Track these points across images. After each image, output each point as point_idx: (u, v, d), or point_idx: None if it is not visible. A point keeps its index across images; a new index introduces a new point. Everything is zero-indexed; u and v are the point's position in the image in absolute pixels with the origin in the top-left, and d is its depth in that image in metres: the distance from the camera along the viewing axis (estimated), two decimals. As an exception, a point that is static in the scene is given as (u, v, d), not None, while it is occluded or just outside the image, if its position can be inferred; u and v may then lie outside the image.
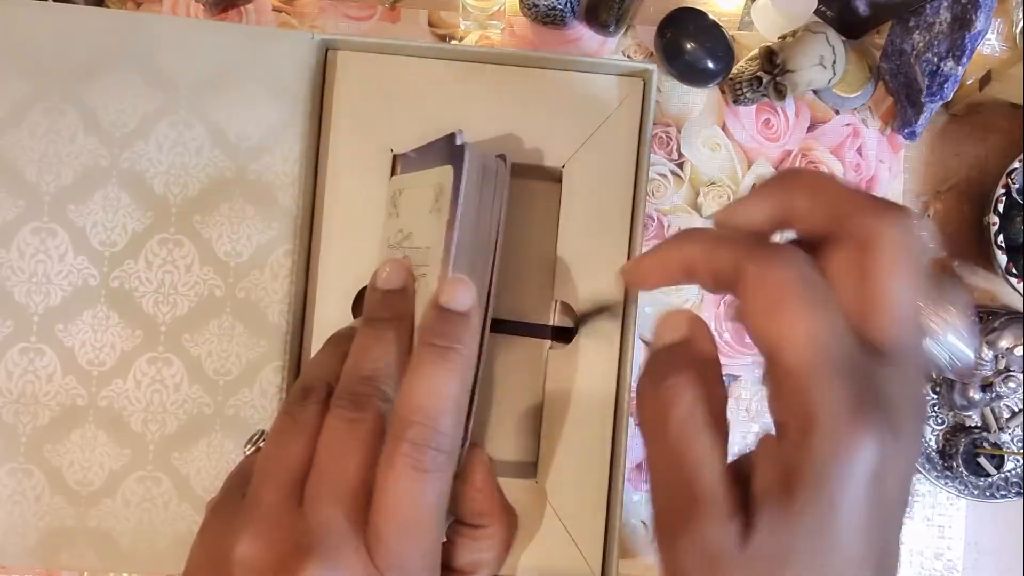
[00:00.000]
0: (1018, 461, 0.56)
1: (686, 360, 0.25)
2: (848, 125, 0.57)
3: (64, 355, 0.40)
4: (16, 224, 0.40)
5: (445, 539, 0.32)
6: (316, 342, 0.41)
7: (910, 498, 0.26)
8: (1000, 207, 0.53)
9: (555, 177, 0.41)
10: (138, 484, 0.40)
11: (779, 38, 0.53)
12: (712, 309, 0.56)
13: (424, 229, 0.33)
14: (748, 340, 0.57)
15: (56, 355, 0.40)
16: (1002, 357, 0.52)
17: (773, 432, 0.23)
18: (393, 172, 0.40)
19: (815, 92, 0.56)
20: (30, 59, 0.40)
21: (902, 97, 0.55)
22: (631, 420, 0.41)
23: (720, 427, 0.24)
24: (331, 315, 0.41)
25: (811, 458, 0.20)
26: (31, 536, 0.40)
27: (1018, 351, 0.51)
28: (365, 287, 0.34)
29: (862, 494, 0.20)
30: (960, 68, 0.50)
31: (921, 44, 0.52)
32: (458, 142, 0.33)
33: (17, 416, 0.40)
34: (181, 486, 0.40)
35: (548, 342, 0.41)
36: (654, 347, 0.26)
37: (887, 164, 0.57)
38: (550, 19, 0.54)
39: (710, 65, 0.54)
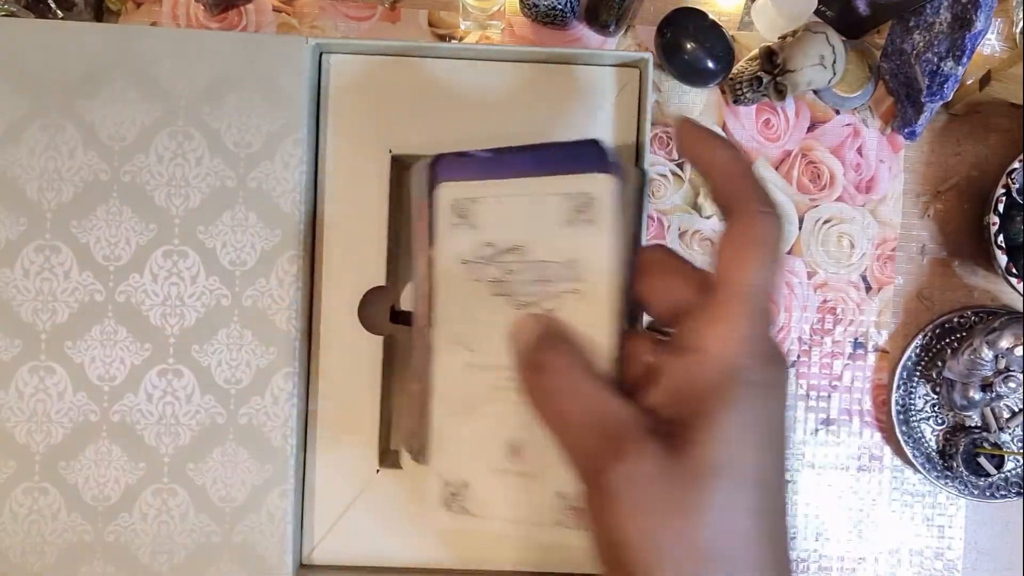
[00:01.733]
0: (1018, 461, 0.56)
1: (546, 342, 0.29)
2: (848, 125, 0.57)
3: (74, 372, 0.40)
4: (19, 243, 0.40)
5: None
6: (324, 347, 0.41)
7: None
8: (1000, 207, 0.53)
9: None
10: (154, 497, 0.40)
11: (779, 38, 0.53)
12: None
13: (558, 245, 0.31)
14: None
15: (66, 372, 0.40)
16: (1002, 357, 0.52)
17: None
18: (428, 178, 0.35)
19: (815, 92, 0.56)
20: (26, 76, 0.40)
21: (902, 97, 0.55)
22: None
23: (594, 369, 0.28)
24: (338, 319, 0.41)
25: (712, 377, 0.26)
26: (50, 554, 0.40)
27: (1018, 351, 0.51)
28: (371, 289, 0.33)
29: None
30: (960, 68, 0.50)
31: (921, 44, 0.52)
32: (606, 150, 0.30)
33: (30, 435, 0.40)
34: (197, 497, 0.40)
35: None
36: (514, 350, 0.30)
37: (887, 164, 0.57)
38: (550, 19, 0.54)
39: (710, 65, 0.54)
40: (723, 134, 0.53)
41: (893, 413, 0.56)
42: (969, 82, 0.55)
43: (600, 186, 0.30)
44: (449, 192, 0.33)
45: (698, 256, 0.57)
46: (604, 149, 0.31)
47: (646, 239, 0.55)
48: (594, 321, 0.30)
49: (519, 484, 0.31)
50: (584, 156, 0.31)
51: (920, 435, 0.56)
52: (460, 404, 0.32)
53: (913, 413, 0.57)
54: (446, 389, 0.33)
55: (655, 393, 0.27)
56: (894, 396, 0.56)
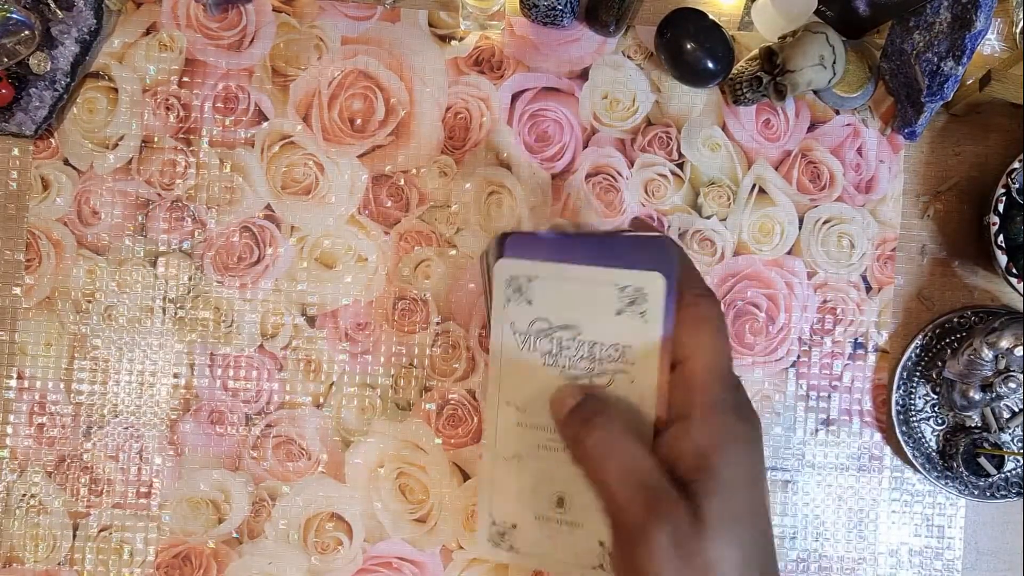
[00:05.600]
0: (1018, 461, 0.56)
1: (594, 404, 0.34)
2: (848, 125, 0.57)
3: None
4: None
5: None
6: None
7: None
8: (1000, 207, 0.53)
9: None
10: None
11: (779, 38, 0.53)
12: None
13: (609, 330, 0.34)
14: (748, 341, 0.57)
15: None
16: (1002, 357, 0.52)
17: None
18: (495, 253, 0.38)
19: (815, 92, 0.56)
20: None
21: (902, 97, 0.55)
22: None
23: (641, 439, 0.33)
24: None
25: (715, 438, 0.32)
26: None
27: (1018, 351, 0.51)
28: None
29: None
30: (960, 68, 0.50)
31: (921, 44, 0.52)
32: (668, 250, 0.34)
33: None
34: None
35: None
36: (555, 412, 0.35)
37: (887, 164, 0.57)
38: (550, 19, 0.54)
39: (710, 65, 0.54)
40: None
41: (893, 413, 0.56)
42: (969, 82, 0.55)
43: (653, 285, 0.34)
44: (506, 268, 0.36)
45: (698, 256, 0.57)
46: (666, 249, 0.34)
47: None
48: (639, 401, 0.34)
49: (563, 530, 0.35)
50: (646, 253, 0.34)
51: (920, 435, 0.56)
52: (510, 456, 0.36)
53: (913, 413, 0.57)
54: (498, 442, 0.36)
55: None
56: (894, 396, 0.56)
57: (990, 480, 0.55)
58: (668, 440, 0.32)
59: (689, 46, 0.53)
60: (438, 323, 0.56)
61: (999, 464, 0.54)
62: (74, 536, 0.55)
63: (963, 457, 0.55)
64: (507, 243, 0.37)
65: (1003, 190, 0.53)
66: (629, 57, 0.57)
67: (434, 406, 0.56)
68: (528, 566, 0.37)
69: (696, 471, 0.31)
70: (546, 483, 0.35)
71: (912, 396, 0.57)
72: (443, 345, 0.56)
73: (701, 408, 0.32)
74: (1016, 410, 0.55)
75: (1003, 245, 0.53)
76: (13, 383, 0.55)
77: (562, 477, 0.35)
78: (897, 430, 0.56)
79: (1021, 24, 0.56)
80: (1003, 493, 0.56)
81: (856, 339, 0.57)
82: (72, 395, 0.55)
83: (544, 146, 0.56)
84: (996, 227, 0.53)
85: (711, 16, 0.54)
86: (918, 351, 0.56)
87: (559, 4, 0.53)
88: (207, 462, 0.55)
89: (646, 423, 0.34)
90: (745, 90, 0.54)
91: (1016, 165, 0.53)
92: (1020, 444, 0.56)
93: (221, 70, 0.56)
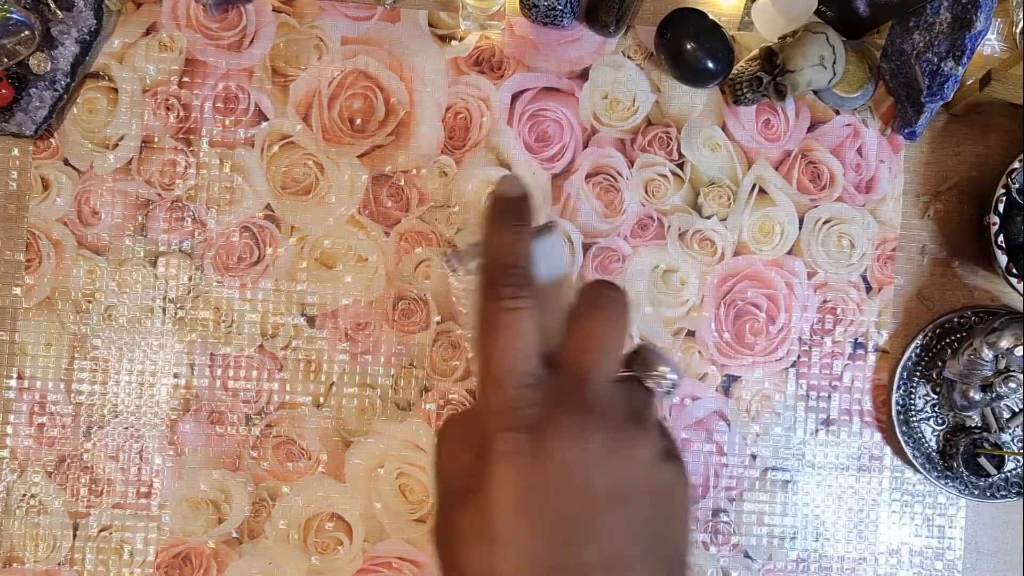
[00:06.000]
0: (1018, 461, 0.56)
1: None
2: (848, 125, 0.57)
3: None
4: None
5: None
6: None
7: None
8: (1000, 207, 0.53)
9: None
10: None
11: (779, 38, 0.53)
12: (712, 309, 0.56)
13: None
14: (748, 341, 0.57)
15: None
16: (1002, 357, 0.52)
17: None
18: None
19: (815, 92, 0.56)
20: None
21: (902, 97, 0.55)
22: None
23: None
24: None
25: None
26: None
27: (1018, 351, 0.51)
28: None
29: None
30: (960, 68, 0.50)
31: (921, 44, 0.52)
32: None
33: None
34: None
35: None
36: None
37: (887, 164, 0.57)
38: (550, 19, 0.54)
39: (710, 65, 0.54)
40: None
41: (893, 413, 0.56)
42: (969, 82, 0.55)
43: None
44: None
45: (698, 256, 0.57)
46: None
47: (645, 239, 0.56)
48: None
49: None
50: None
51: (920, 435, 0.56)
52: None
53: (913, 413, 0.57)
54: None
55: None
56: (894, 396, 0.56)
57: (990, 480, 0.55)
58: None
59: (689, 46, 0.53)
60: (438, 323, 0.56)
61: (999, 464, 0.54)
62: (74, 536, 0.55)
63: (963, 457, 0.55)
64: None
65: (1003, 190, 0.53)
66: (629, 57, 0.57)
67: (434, 406, 0.56)
68: None
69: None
70: None
71: (912, 396, 0.57)
72: (443, 345, 0.56)
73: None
74: (1016, 410, 0.55)
75: (1003, 245, 0.53)
76: (13, 383, 0.55)
77: None
78: (897, 430, 0.56)
79: (1021, 24, 0.56)
80: (1003, 493, 0.56)
81: (856, 339, 0.57)
82: (72, 395, 0.55)
83: (544, 146, 0.56)
84: (996, 227, 0.53)
85: (711, 16, 0.54)
86: (918, 351, 0.56)
87: (559, 4, 0.53)
88: (207, 462, 0.55)
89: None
90: (745, 90, 0.54)
91: (1016, 165, 0.53)
92: (1020, 444, 0.56)
93: (221, 70, 0.56)
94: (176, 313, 0.56)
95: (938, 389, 0.57)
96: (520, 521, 0.26)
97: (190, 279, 0.56)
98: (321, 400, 0.56)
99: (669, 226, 0.57)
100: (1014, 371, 0.52)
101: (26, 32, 0.52)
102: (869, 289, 0.57)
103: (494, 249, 0.30)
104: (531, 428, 0.27)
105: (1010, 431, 0.55)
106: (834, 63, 0.52)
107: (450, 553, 0.28)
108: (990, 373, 0.53)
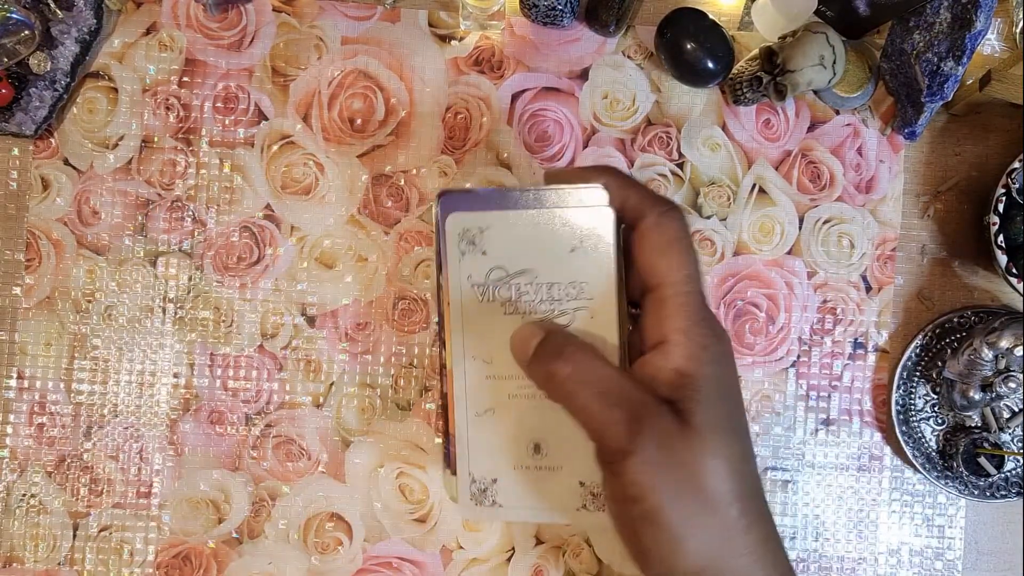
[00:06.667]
0: (1018, 461, 0.56)
1: (556, 339, 0.33)
2: (848, 125, 0.57)
3: None
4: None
5: None
6: None
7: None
8: (1000, 207, 0.53)
9: None
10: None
11: (779, 38, 0.53)
12: (712, 308, 0.56)
13: (565, 268, 0.35)
14: (748, 341, 0.57)
15: None
16: (1002, 357, 0.52)
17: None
18: (439, 210, 0.38)
19: (815, 92, 0.56)
20: None
21: (902, 97, 0.55)
22: None
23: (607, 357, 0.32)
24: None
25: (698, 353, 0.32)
26: None
27: (1018, 351, 0.51)
28: None
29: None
30: (960, 68, 0.50)
31: (921, 44, 0.52)
32: (604, 197, 0.34)
33: None
34: None
35: None
36: (522, 359, 0.34)
37: (887, 164, 0.57)
38: (550, 19, 0.54)
39: (710, 65, 0.54)
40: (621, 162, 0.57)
41: (893, 413, 0.56)
42: (969, 82, 0.55)
43: (604, 219, 0.34)
44: (458, 222, 0.36)
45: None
46: (603, 193, 0.34)
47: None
48: (602, 333, 0.34)
49: (543, 475, 0.36)
50: (586, 196, 0.35)
51: (920, 435, 0.56)
52: (483, 411, 0.36)
53: (913, 413, 0.57)
54: (468, 399, 0.36)
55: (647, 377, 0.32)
56: (894, 396, 0.56)
57: (990, 480, 0.55)
58: (646, 365, 0.32)
59: (689, 46, 0.53)
60: (438, 323, 0.56)
61: (999, 464, 0.54)
62: (74, 536, 0.55)
63: (963, 457, 0.55)
64: (446, 200, 0.36)
65: (1003, 190, 0.53)
66: (629, 57, 0.57)
67: (434, 406, 0.56)
68: (514, 519, 0.37)
69: (678, 389, 0.31)
70: (521, 432, 0.36)
71: (912, 396, 0.57)
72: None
73: (677, 331, 0.32)
74: (1016, 410, 0.55)
75: (1003, 245, 0.53)
76: (13, 383, 0.55)
77: (536, 424, 0.35)
78: (897, 430, 0.56)
79: (1021, 24, 0.56)
80: (1003, 493, 0.56)
81: (856, 339, 0.57)
82: (72, 395, 0.55)
83: (544, 146, 0.56)
84: (996, 227, 0.53)
85: (711, 16, 0.54)
86: (918, 351, 0.56)
87: (559, 4, 0.53)
88: (207, 462, 0.55)
89: (612, 350, 0.34)
90: (745, 90, 0.54)
91: (1016, 165, 0.53)
92: (1020, 444, 0.56)
93: (221, 70, 0.56)
94: (176, 313, 0.56)
95: (938, 389, 0.57)
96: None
97: (190, 279, 0.56)
98: (321, 400, 0.56)
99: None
100: (1014, 371, 0.52)
101: (26, 32, 0.52)
102: (869, 289, 0.57)
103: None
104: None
105: (1010, 431, 0.55)
106: (834, 63, 0.52)
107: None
108: (990, 373, 0.53)
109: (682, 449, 0.30)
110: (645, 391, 0.31)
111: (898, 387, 0.56)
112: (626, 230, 0.35)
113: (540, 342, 0.33)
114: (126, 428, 0.55)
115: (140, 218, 0.55)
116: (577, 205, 0.35)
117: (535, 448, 0.36)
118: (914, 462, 0.56)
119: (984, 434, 0.55)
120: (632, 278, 0.34)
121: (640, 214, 0.33)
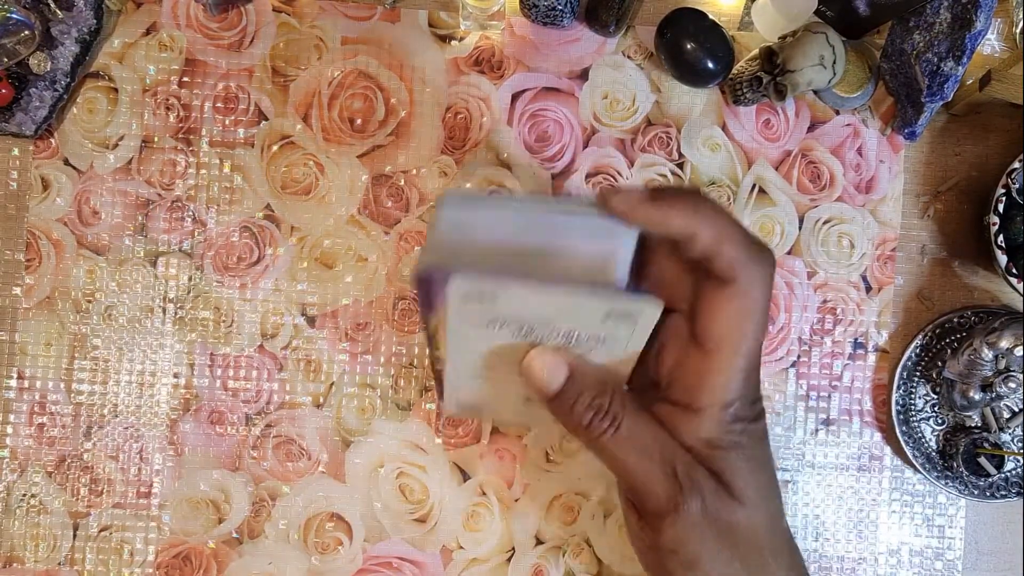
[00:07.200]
0: (1018, 461, 0.56)
1: (590, 398, 0.32)
2: (848, 125, 0.57)
3: None
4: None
5: None
6: None
7: None
8: (1000, 207, 0.53)
9: None
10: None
11: (779, 38, 0.53)
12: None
13: (592, 328, 0.31)
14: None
15: None
16: (1002, 357, 0.52)
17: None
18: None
19: (815, 92, 0.56)
20: None
21: (902, 97, 0.55)
22: None
23: (652, 418, 0.32)
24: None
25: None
26: None
27: (1018, 351, 0.51)
28: None
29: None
30: (960, 68, 0.50)
31: (921, 44, 0.52)
32: (657, 309, 0.31)
33: None
34: None
35: None
36: (541, 396, 0.33)
37: (887, 164, 0.57)
38: (550, 19, 0.54)
39: (710, 65, 0.54)
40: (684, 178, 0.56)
41: (893, 413, 0.56)
42: (969, 82, 0.55)
43: (648, 310, 0.31)
44: (462, 287, 0.30)
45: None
46: (658, 307, 0.31)
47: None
48: (614, 367, 0.33)
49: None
50: (603, 226, 0.31)
51: (920, 435, 0.56)
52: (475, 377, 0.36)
53: (913, 413, 0.57)
54: (463, 366, 0.35)
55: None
56: (894, 396, 0.56)
57: (990, 480, 0.55)
58: (679, 423, 0.32)
59: (689, 46, 0.53)
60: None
61: (999, 464, 0.54)
62: (74, 536, 0.55)
63: (963, 457, 0.55)
64: (446, 200, 0.32)
65: (1003, 190, 0.53)
66: (629, 57, 0.57)
67: (434, 406, 0.56)
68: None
69: (714, 459, 0.31)
70: (513, 388, 0.35)
71: (912, 396, 0.57)
72: (443, 345, 0.56)
73: (717, 406, 0.31)
74: (1016, 410, 0.55)
75: (1003, 245, 0.53)
76: (13, 383, 0.55)
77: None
78: (897, 430, 0.56)
79: (1021, 24, 0.56)
80: (1003, 493, 0.56)
81: (856, 339, 0.57)
82: (72, 395, 0.55)
83: (544, 146, 0.56)
84: (996, 227, 0.53)
85: (711, 16, 0.54)
86: (918, 351, 0.56)
87: (559, 4, 0.53)
88: (207, 462, 0.55)
89: (620, 379, 0.33)
90: (745, 90, 0.54)
91: (1016, 165, 0.53)
92: (1020, 444, 0.56)
93: (221, 70, 0.56)
94: (176, 313, 0.56)
95: (938, 389, 0.57)
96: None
97: (190, 279, 0.56)
98: (321, 400, 0.56)
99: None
100: (1014, 371, 0.52)
101: (26, 32, 0.52)
102: (869, 289, 0.57)
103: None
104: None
105: (1010, 431, 0.55)
106: (834, 63, 0.52)
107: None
108: (990, 373, 0.53)
109: (724, 512, 0.31)
110: (687, 452, 0.31)
111: (898, 387, 0.56)
112: (696, 283, 0.31)
113: (564, 387, 0.32)
114: (126, 428, 0.55)
115: (140, 218, 0.55)
116: (584, 236, 0.30)
117: (525, 400, 0.36)
118: (914, 462, 0.56)
119: (984, 434, 0.55)
120: (675, 322, 0.33)
121: (729, 274, 0.29)
